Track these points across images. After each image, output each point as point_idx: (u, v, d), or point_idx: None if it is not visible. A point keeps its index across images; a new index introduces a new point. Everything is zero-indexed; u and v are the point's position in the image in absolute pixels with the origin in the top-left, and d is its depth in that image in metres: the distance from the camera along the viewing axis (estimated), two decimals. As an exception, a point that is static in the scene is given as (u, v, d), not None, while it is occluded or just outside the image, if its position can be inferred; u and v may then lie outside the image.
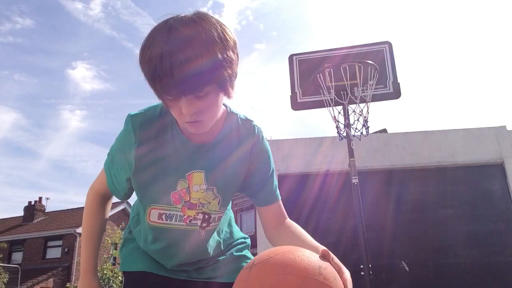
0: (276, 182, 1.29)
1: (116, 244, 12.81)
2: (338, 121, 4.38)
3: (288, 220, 1.26)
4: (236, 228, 1.43)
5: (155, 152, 1.14)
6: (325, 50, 5.00)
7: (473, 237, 4.94)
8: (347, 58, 4.69)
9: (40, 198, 25.17)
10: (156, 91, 0.95)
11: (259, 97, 46.25)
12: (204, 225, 1.22)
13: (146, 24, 37.12)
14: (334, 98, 4.36)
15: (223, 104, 1.16)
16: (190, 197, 1.18)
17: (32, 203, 24.54)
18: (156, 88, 0.94)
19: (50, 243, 21.92)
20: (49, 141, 40.60)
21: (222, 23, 0.97)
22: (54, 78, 38.51)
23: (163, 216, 1.20)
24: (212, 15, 0.99)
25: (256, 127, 1.22)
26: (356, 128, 4.30)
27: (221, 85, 0.96)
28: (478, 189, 5.15)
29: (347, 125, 4.27)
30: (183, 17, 0.95)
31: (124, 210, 24.78)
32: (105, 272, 11.45)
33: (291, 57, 5.03)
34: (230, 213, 1.42)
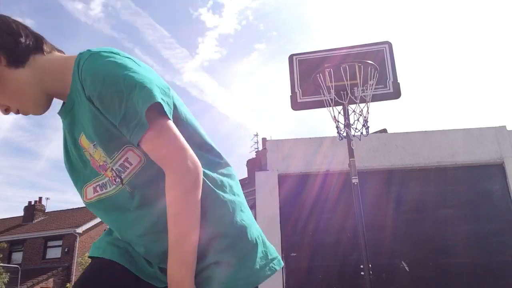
0: (131, 119, 0.96)
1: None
2: (338, 121, 4.38)
3: (167, 178, 0.97)
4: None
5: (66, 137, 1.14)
6: (325, 50, 5.00)
7: (473, 237, 4.94)
8: (347, 58, 4.70)
9: (40, 198, 25.17)
10: None
11: (259, 97, 46.26)
12: (118, 180, 1.06)
13: (146, 24, 37.14)
14: (334, 98, 4.35)
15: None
16: (96, 160, 1.07)
17: (32, 203, 24.54)
18: None
19: (50, 243, 21.90)
20: (49, 141, 40.65)
21: None
22: (54, 78, 38.50)
23: (98, 188, 1.10)
24: None
25: (76, 62, 1.01)
26: (356, 128, 4.30)
27: None
28: (478, 189, 5.15)
29: (347, 125, 4.27)
30: None
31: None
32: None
33: (291, 57, 5.03)
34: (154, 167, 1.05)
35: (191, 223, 0.95)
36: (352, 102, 4.33)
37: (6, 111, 1.06)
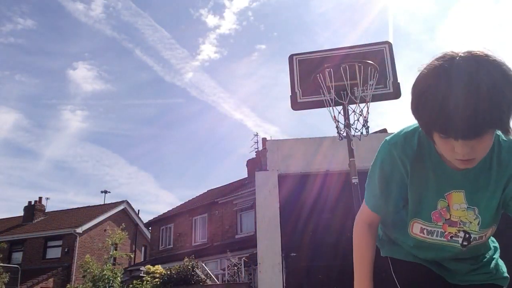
0: None
1: (116, 244, 12.78)
2: (338, 121, 4.38)
3: None
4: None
5: (416, 176, 1.23)
6: (325, 50, 5.00)
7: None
8: (347, 58, 4.69)
9: (40, 198, 25.15)
10: (431, 128, 1.00)
11: (260, 97, 46.24)
12: (465, 243, 1.26)
13: (146, 25, 37.12)
14: (334, 98, 4.35)
15: None
16: (450, 215, 1.25)
17: (32, 203, 24.53)
18: (432, 126, 0.99)
19: (50, 243, 21.89)
20: (49, 141, 40.65)
21: (502, 63, 0.95)
22: (55, 78, 38.55)
23: (425, 231, 1.30)
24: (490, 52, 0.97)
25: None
26: (356, 128, 4.30)
27: (499, 126, 0.96)
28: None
29: (347, 125, 4.27)
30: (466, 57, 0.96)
31: (124, 210, 24.78)
32: (105, 272, 11.42)
33: (291, 57, 5.02)
34: (493, 243, 1.44)
35: None
36: (352, 102, 4.33)
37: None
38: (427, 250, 1.35)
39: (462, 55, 0.96)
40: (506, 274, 1.39)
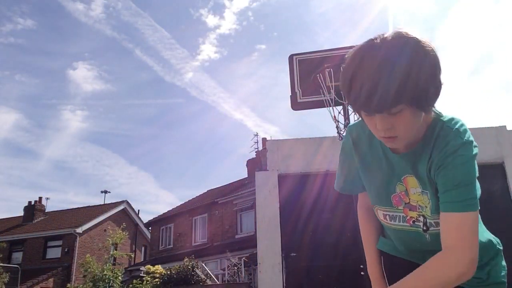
0: (462, 194, 1.09)
1: (116, 244, 12.78)
2: (338, 121, 4.38)
3: (446, 254, 1.06)
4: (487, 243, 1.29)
5: (368, 157, 1.26)
6: (325, 50, 5.00)
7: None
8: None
9: (40, 198, 25.15)
10: (352, 107, 1.05)
11: (260, 97, 46.26)
12: (424, 228, 1.24)
13: (146, 25, 37.09)
14: (334, 98, 4.36)
15: (434, 111, 1.17)
16: (409, 199, 1.24)
17: (32, 203, 24.53)
18: (351, 104, 1.04)
19: (50, 243, 21.89)
20: (49, 141, 40.65)
21: (416, 39, 1.00)
22: (55, 78, 38.54)
23: (387, 217, 1.30)
24: (409, 32, 1.01)
25: (451, 138, 1.12)
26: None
27: (414, 102, 0.98)
28: (478, 189, 5.15)
29: (347, 125, 4.27)
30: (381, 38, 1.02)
31: (124, 210, 24.78)
32: (105, 272, 11.42)
33: (291, 57, 5.02)
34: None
35: None
36: (352, 102, 4.32)
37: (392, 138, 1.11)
38: (400, 240, 1.34)
39: (383, 35, 1.01)
40: (501, 279, 1.29)
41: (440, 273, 1.03)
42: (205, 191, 24.08)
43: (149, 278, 11.17)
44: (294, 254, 5.05)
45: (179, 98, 42.62)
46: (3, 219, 25.62)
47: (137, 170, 47.10)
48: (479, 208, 1.11)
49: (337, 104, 4.38)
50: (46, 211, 25.04)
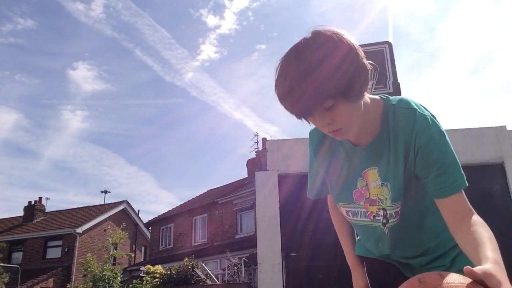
0: (452, 175, 1.10)
1: (116, 244, 12.78)
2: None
3: (472, 219, 1.06)
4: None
5: (329, 157, 1.28)
6: (325, 50, 5.00)
7: (473, 237, 4.95)
8: (347, 58, 4.69)
9: (40, 198, 25.17)
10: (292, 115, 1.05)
11: (260, 97, 46.26)
12: (384, 221, 1.24)
13: (146, 25, 37.12)
14: (334, 98, 4.36)
15: (382, 97, 1.19)
16: (369, 193, 1.23)
17: (32, 203, 24.54)
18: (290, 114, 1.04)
19: (50, 243, 21.91)
20: (49, 141, 40.69)
21: (326, 34, 0.99)
22: (55, 78, 38.58)
23: (350, 213, 1.30)
24: (322, 29, 1.01)
25: (417, 117, 1.11)
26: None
27: (341, 95, 0.98)
28: (478, 189, 5.15)
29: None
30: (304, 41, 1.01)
31: (124, 210, 24.79)
32: (105, 272, 11.42)
33: (291, 57, 5.03)
34: (429, 207, 1.25)
35: None
36: (352, 102, 4.33)
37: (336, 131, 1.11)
38: (365, 236, 1.35)
39: (306, 36, 1.01)
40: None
41: (485, 229, 1.03)
42: (205, 191, 24.11)
43: (149, 278, 11.18)
44: (294, 254, 5.05)
45: (179, 98, 42.66)
46: (3, 219, 25.63)
47: (137, 170, 47.14)
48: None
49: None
50: (46, 211, 25.06)
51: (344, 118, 1.03)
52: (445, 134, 1.12)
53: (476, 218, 1.06)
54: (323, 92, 0.95)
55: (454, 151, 1.12)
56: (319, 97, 0.95)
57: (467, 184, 1.12)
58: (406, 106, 1.14)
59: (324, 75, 0.93)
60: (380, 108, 1.17)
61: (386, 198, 1.20)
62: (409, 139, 1.12)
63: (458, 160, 1.12)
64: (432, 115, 1.13)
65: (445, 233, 1.19)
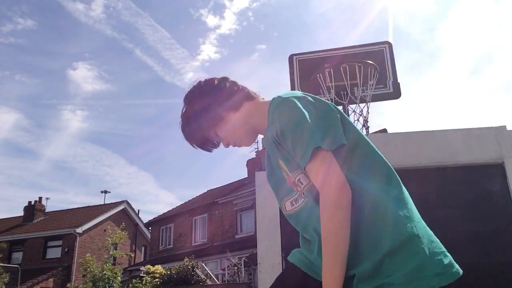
0: (301, 146, 1.12)
1: (116, 244, 12.78)
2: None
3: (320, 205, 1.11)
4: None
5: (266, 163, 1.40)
6: (325, 50, 5.00)
7: (473, 238, 4.94)
8: (347, 58, 4.69)
9: (40, 198, 25.17)
10: None
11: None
12: (303, 193, 1.28)
13: (146, 25, 37.11)
14: (334, 98, 4.36)
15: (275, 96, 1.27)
16: (291, 177, 1.28)
17: (32, 203, 24.54)
18: None
19: (50, 243, 21.91)
20: (49, 141, 40.67)
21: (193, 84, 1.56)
22: (55, 78, 38.56)
23: (294, 202, 1.31)
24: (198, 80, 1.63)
25: (270, 108, 1.25)
26: (356, 128, 4.29)
27: (205, 127, 1.40)
28: (478, 190, 5.14)
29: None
30: None
31: (124, 210, 24.79)
32: (105, 272, 11.42)
33: (291, 57, 5.02)
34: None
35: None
36: (352, 102, 4.33)
37: (227, 145, 1.43)
38: (299, 225, 1.40)
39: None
40: (399, 281, 1.03)
41: (325, 214, 1.07)
42: (205, 191, 24.10)
43: (149, 278, 11.18)
44: (294, 254, 5.05)
45: (179, 98, 42.12)
46: (3, 219, 25.63)
47: (137, 170, 47.15)
48: (328, 139, 1.11)
49: (337, 104, 4.39)
50: (46, 211, 25.06)
51: (225, 135, 1.38)
52: (295, 107, 1.15)
53: (322, 195, 1.10)
54: (189, 130, 1.44)
55: (305, 121, 1.12)
56: (191, 135, 1.43)
57: (321, 145, 1.10)
58: (275, 98, 1.24)
59: (189, 117, 1.45)
60: (267, 106, 1.28)
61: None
62: (271, 122, 1.23)
63: (309, 124, 1.13)
64: (287, 97, 1.20)
65: (377, 222, 1.16)
